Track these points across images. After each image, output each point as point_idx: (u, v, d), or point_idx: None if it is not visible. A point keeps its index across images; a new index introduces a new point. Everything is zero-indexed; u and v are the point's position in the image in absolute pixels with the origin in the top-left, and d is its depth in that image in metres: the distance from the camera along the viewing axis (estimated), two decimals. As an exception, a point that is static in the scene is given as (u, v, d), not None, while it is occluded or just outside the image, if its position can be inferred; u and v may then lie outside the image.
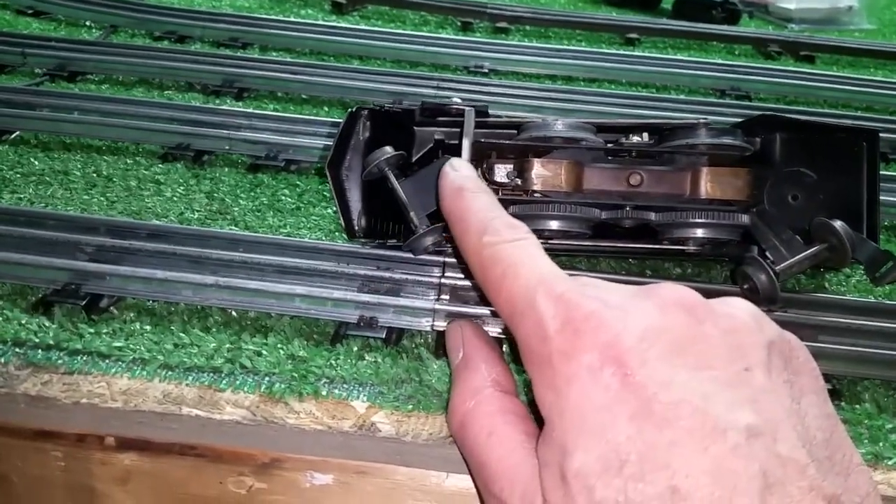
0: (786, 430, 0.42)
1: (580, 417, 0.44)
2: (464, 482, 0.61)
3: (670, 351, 0.43)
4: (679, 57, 1.54)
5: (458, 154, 0.78)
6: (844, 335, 0.76)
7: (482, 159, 0.80)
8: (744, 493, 0.39)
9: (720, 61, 1.53)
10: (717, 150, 0.77)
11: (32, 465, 0.64)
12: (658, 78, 1.43)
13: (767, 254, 0.78)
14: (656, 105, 1.28)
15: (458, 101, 0.80)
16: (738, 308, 0.50)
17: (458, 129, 0.82)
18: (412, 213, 0.76)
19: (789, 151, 0.83)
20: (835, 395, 0.71)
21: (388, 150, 0.76)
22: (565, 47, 1.52)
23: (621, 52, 1.53)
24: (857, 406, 0.71)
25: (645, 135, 0.78)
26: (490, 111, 0.81)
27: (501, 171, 0.79)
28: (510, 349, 0.72)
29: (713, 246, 0.79)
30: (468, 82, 1.30)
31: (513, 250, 0.55)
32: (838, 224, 0.76)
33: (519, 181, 0.77)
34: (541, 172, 0.77)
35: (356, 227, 0.81)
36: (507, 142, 0.78)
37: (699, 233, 0.78)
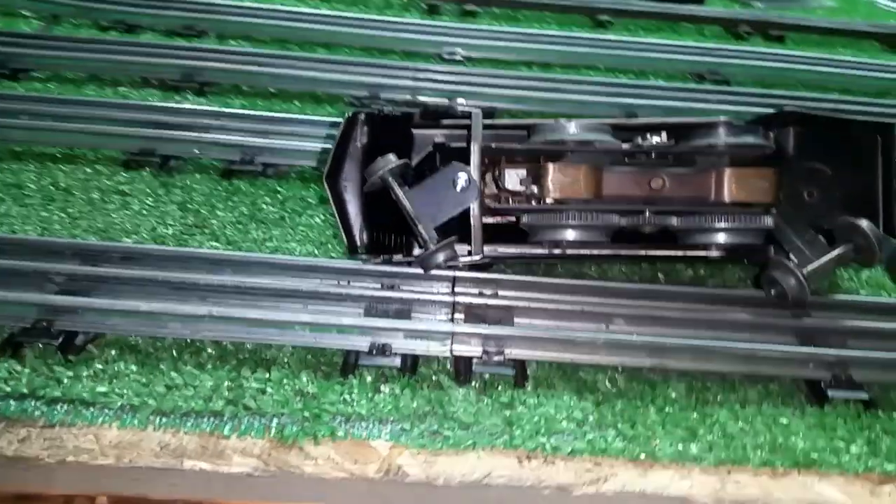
0: None
1: None
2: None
3: None
4: (653, 40, 1.50)
5: (465, 159, 0.72)
6: (873, 339, 0.73)
7: (492, 165, 0.74)
8: None
9: (695, 44, 1.49)
10: (741, 150, 0.73)
11: (13, 534, 0.57)
12: (636, 63, 1.39)
13: (791, 256, 0.75)
14: (638, 92, 1.23)
15: (463, 101, 0.74)
16: None
17: (460, 131, 0.76)
18: (421, 227, 0.70)
19: (803, 146, 0.79)
20: (870, 405, 0.68)
21: (392, 159, 0.70)
22: (540, 32, 1.46)
23: (596, 36, 1.48)
24: (895, 414, 0.68)
25: (664, 134, 0.73)
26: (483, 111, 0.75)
27: (514, 178, 0.73)
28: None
29: (736, 250, 0.75)
30: (444, 72, 1.23)
31: None
32: (864, 223, 0.73)
33: (535, 188, 0.72)
34: (558, 179, 0.71)
35: (358, 243, 0.74)
36: (520, 147, 0.72)
37: (723, 237, 0.74)
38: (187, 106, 1.05)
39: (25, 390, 0.61)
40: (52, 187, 0.89)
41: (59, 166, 0.93)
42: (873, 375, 0.70)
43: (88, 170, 0.93)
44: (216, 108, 1.04)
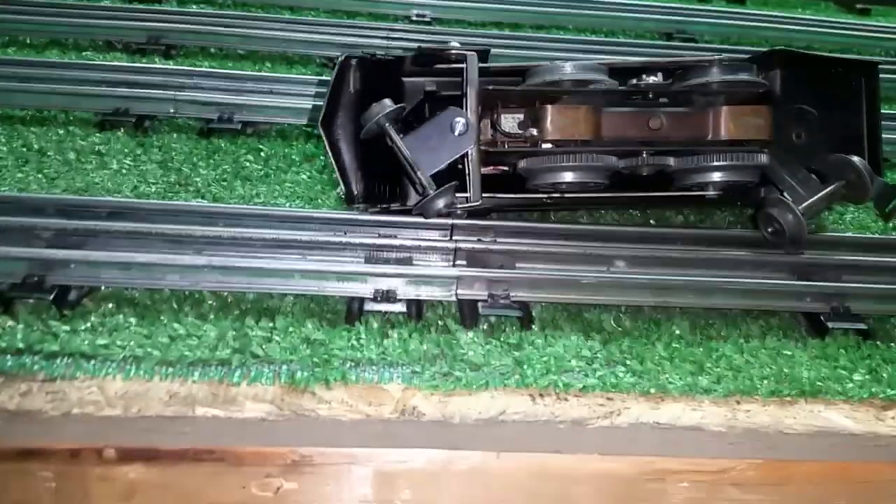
0: None
1: None
2: (517, 459, 0.56)
3: None
4: (620, 0, 1.50)
5: (459, 104, 0.71)
6: (867, 273, 0.74)
7: (487, 110, 0.73)
8: None
9: (661, 4, 1.50)
10: (735, 88, 0.74)
11: (17, 490, 0.54)
12: (605, 22, 1.39)
13: (785, 194, 0.76)
14: (610, 50, 1.24)
15: (457, 45, 0.73)
16: None
17: (453, 78, 0.74)
18: (420, 173, 0.69)
19: (790, 88, 0.80)
20: (868, 335, 0.69)
21: (388, 104, 0.69)
22: (507, -8, 1.46)
23: (561, -4, 1.48)
24: (893, 344, 0.69)
25: (660, 74, 0.73)
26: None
27: (511, 121, 0.72)
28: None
29: (731, 190, 0.76)
30: (416, 32, 1.21)
31: None
32: (856, 159, 0.74)
33: (533, 131, 0.71)
34: (557, 120, 0.71)
35: (355, 192, 0.73)
36: (518, 88, 0.71)
37: (719, 176, 0.74)
38: (159, 66, 1.02)
39: (21, 345, 0.58)
40: (24, 149, 0.85)
41: (30, 129, 0.89)
42: (870, 307, 0.72)
43: (61, 131, 0.89)
44: (190, 68, 1.01)
